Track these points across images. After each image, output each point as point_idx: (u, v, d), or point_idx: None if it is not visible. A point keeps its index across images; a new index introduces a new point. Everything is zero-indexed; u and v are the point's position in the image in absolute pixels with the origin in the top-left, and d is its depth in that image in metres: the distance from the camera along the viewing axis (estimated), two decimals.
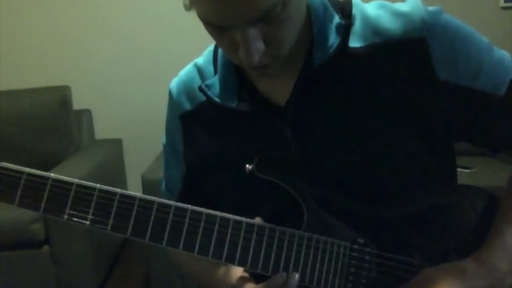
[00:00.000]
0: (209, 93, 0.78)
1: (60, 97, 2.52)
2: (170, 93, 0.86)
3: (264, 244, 0.71)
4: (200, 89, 0.78)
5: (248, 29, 0.61)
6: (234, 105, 0.76)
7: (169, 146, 0.89)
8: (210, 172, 0.82)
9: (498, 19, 2.58)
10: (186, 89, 0.84)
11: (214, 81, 0.79)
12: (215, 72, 0.80)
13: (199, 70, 0.83)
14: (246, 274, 0.76)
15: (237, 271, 0.77)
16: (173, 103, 0.86)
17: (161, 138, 0.92)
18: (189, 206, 0.71)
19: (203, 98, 0.80)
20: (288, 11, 0.62)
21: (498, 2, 2.62)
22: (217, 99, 0.77)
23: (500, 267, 0.70)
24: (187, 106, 0.83)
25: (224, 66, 0.78)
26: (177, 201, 0.87)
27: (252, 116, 0.76)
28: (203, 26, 0.65)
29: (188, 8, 0.64)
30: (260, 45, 0.63)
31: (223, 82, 0.78)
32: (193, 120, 0.82)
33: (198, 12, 0.62)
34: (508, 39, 2.27)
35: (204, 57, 0.84)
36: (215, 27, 0.63)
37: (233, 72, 0.77)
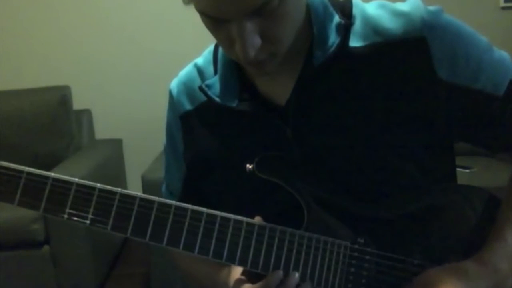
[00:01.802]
0: (209, 93, 0.78)
1: (60, 97, 2.52)
2: (171, 94, 0.86)
3: (265, 244, 0.71)
4: (201, 89, 0.78)
5: (244, 22, 0.61)
6: (234, 105, 0.76)
7: (169, 147, 0.89)
8: (210, 172, 0.82)
9: (498, 19, 2.59)
10: (187, 89, 0.84)
11: (214, 81, 0.79)
12: (215, 72, 0.80)
13: (199, 70, 0.83)
14: (243, 277, 0.76)
15: (235, 273, 0.77)
16: (173, 103, 0.86)
17: (162, 139, 0.92)
18: (190, 206, 0.71)
19: (203, 98, 0.80)
20: (285, 6, 0.62)
21: (498, 2, 2.63)
22: (217, 99, 0.77)
23: (502, 267, 0.70)
24: (188, 106, 0.83)
25: (224, 65, 0.78)
26: (178, 200, 0.88)
27: (253, 116, 0.76)
28: (202, 23, 0.65)
29: (186, 2, 0.64)
30: (256, 40, 0.63)
31: (224, 82, 0.78)
32: (193, 120, 0.83)
33: (196, 4, 0.62)
34: (508, 39, 2.27)
35: (204, 58, 0.84)
36: (212, 19, 0.63)
37: (233, 72, 0.77)
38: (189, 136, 0.84)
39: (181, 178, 0.88)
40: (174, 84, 0.86)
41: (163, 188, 0.95)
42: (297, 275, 0.70)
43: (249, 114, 0.76)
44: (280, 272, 0.70)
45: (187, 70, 0.86)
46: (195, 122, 0.82)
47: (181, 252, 0.71)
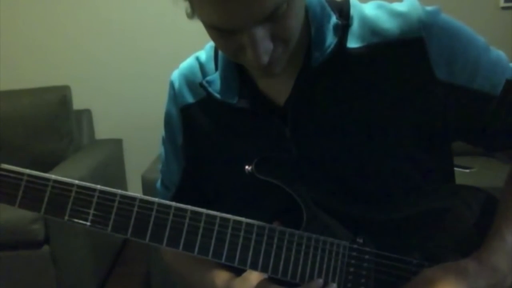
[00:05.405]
0: (209, 89, 0.78)
1: (60, 97, 2.52)
2: (172, 85, 0.86)
3: (264, 244, 0.71)
4: (201, 85, 0.78)
5: (255, 30, 0.60)
6: (234, 101, 0.76)
7: (168, 139, 0.89)
8: (209, 169, 0.82)
9: (498, 19, 2.58)
10: (188, 82, 0.83)
11: (215, 77, 0.79)
12: (216, 69, 0.80)
13: (201, 66, 0.83)
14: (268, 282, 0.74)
15: (253, 277, 0.75)
16: (174, 95, 0.85)
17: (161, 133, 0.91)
18: (189, 207, 0.71)
19: (204, 93, 0.80)
20: (292, 7, 0.62)
21: (498, 2, 2.62)
22: (217, 95, 0.77)
23: (501, 267, 0.70)
24: (189, 99, 0.83)
25: (225, 62, 0.78)
26: (174, 195, 0.87)
27: (252, 114, 0.76)
28: (206, 31, 0.65)
29: (190, 16, 0.64)
30: (268, 45, 0.62)
31: (224, 78, 0.78)
32: (194, 113, 0.82)
33: (203, 18, 0.62)
34: (508, 39, 2.27)
35: (206, 53, 0.84)
36: (221, 31, 0.62)
37: (234, 69, 0.77)
38: (189, 129, 0.83)
39: (179, 171, 0.87)
40: (175, 76, 0.86)
41: (158, 184, 0.94)
42: (334, 285, 0.71)
43: (249, 112, 0.76)
44: (321, 281, 0.70)
45: (188, 62, 0.85)
46: (195, 116, 0.82)
47: (179, 253, 0.71)
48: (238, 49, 0.64)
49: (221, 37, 0.64)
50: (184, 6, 0.65)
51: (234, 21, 0.59)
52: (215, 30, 0.63)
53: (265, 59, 0.63)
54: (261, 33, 0.61)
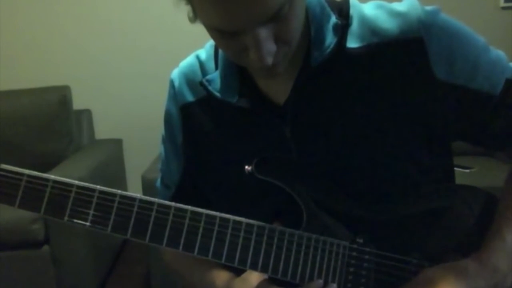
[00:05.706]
0: (209, 88, 0.78)
1: (60, 97, 2.52)
2: (172, 84, 0.86)
3: (264, 244, 0.71)
4: (201, 84, 0.78)
5: (258, 31, 0.60)
6: (234, 100, 0.76)
7: (167, 138, 0.88)
8: (208, 169, 0.82)
9: (498, 19, 2.58)
10: (188, 81, 0.83)
11: (215, 76, 0.79)
12: (216, 67, 0.80)
13: (201, 64, 0.83)
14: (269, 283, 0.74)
15: (253, 278, 0.75)
16: (174, 93, 0.85)
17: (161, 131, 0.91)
18: (189, 207, 0.71)
19: (204, 91, 0.80)
20: (294, 8, 0.62)
21: (498, 2, 2.62)
22: (217, 94, 0.77)
23: (501, 267, 0.70)
24: (189, 98, 0.83)
25: (225, 61, 0.78)
26: (174, 194, 0.88)
27: (252, 114, 0.76)
28: (207, 32, 0.65)
29: (193, 20, 0.64)
30: (272, 46, 0.63)
31: (224, 77, 0.78)
32: (193, 112, 0.82)
33: (205, 20, 0.62)
34: (508, 39, 2.27)
35: (206, 52, 0.84)
36: (224, 33, 0.62)
37: (234, 68, 0.78)
38: (189, 128, 0.83)
39: (179, 170, 0.87)
40: (175, 74, 0.86)
41: (158, 183, 0.94)
42: (334, 286, 0.71)
43: (248, 111, 0.76)
44: (321, 282, 0.70)
45: (189, 61, 0.85)
46: (195, 114, 0.82)
47: (179, 253, 0.71)
48: (241, 50, 0.64)
49: (223, 38, 0.64)
50: (184, 8, 0.65)
51: (237, 22, 0.59)
52: (218, 32, 0.63)
53: (269, 60, 0.63)
54: (264, 34, 0.61)
